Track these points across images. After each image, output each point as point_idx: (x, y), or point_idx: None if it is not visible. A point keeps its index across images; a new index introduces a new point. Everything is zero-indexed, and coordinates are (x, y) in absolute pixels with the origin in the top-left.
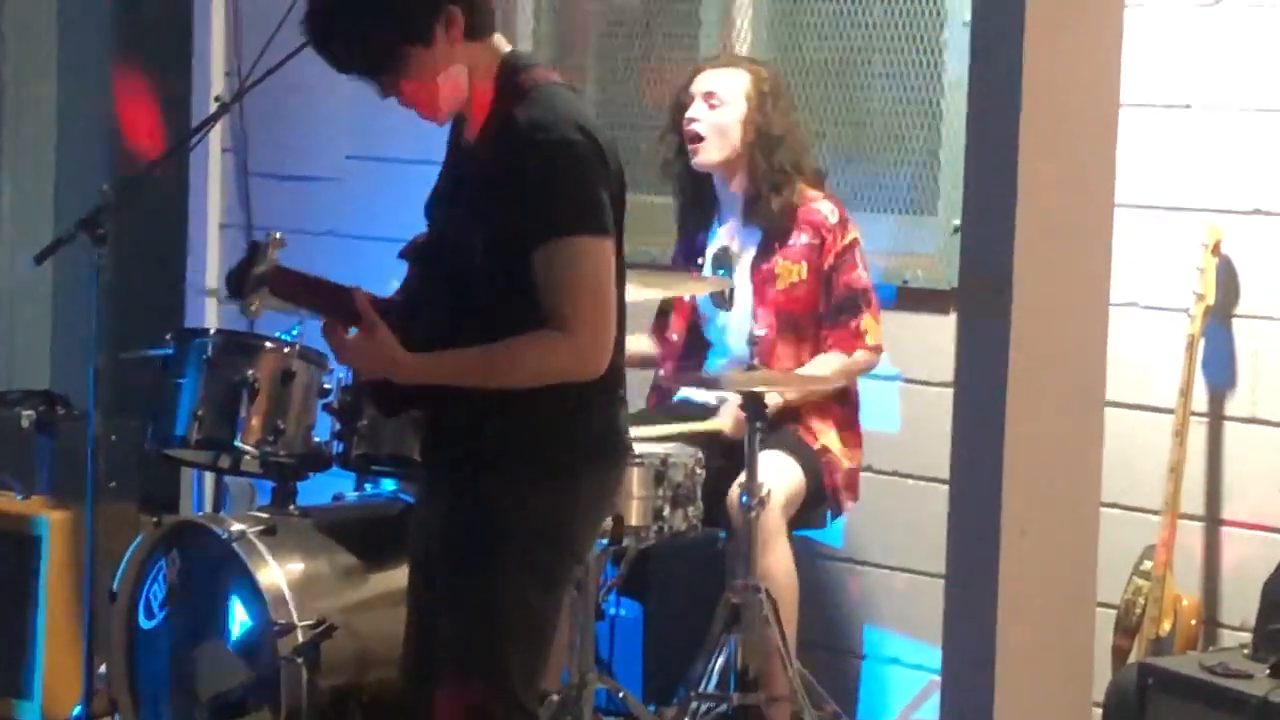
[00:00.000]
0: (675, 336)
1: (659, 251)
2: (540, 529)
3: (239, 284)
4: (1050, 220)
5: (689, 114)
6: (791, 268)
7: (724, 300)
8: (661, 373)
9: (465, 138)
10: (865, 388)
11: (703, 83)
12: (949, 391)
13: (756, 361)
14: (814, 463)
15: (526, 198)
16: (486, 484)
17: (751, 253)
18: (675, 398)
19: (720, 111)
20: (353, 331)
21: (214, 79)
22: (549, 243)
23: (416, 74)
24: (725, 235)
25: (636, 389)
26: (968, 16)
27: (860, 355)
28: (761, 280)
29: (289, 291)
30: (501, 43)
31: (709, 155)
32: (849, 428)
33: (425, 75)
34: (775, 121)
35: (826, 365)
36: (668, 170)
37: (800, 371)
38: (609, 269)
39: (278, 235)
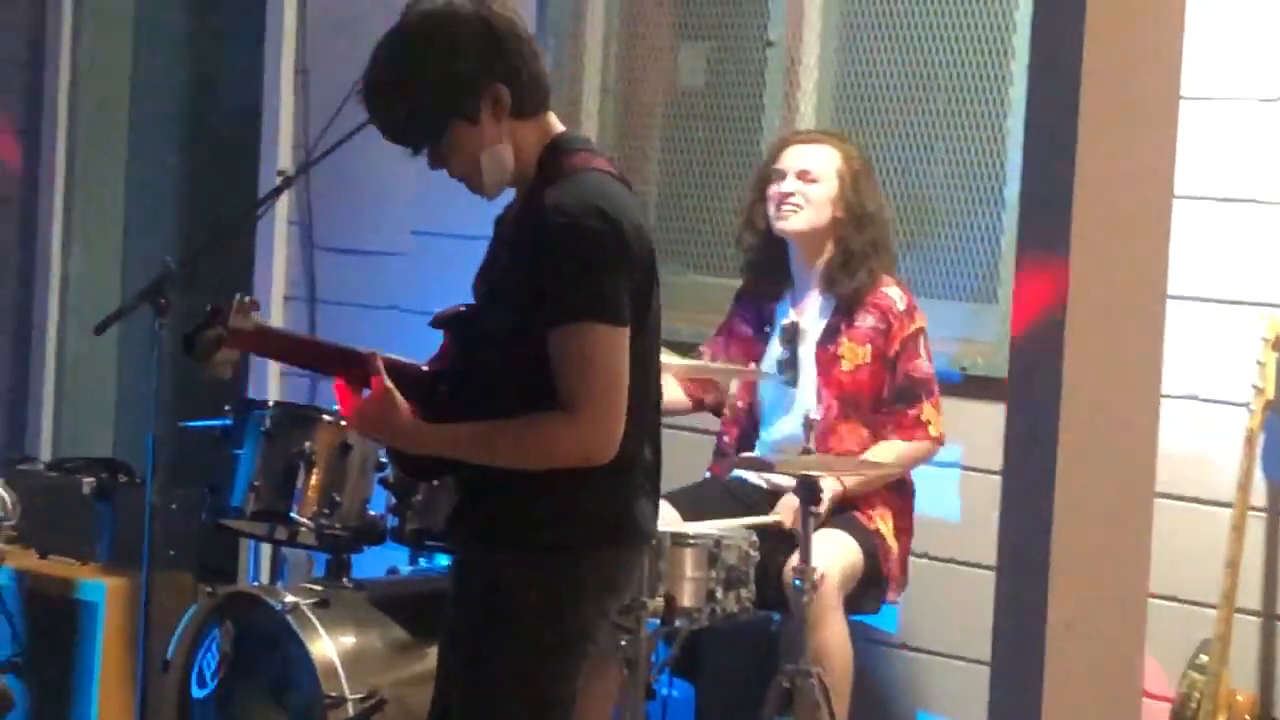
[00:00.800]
0: (741, 404)
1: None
2: (544, 610)
3: (188, 346)
4: (1101, 310)
5: (782, 188)
6: (856, 349)
7: (791, 377)
8: (726, 438)
9: (509, 212)
10: (924, 475)
11: (794, 159)
12: None
13: (812, 444)
14: (870, 543)
15: (541, 280)
16: (492, 562)
17: (819, 331)
18: (731, 476)
19: (814, 188)
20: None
21: (281, 153)
22: (560, 327)
23: (461, 148)
24: (795, 310)
25: (696, 455)
26: None
27: (921, 444)
28: (827, 359)
29: (276, 351)
30: (554, 123)
31: (797, 222)
32: (904, 515)
33: (469, 150)
34: (867, 199)
35: (887, 452)
36: (746, 237)
37: (870, 458)
38: (621, 357)
39: (246, 299)
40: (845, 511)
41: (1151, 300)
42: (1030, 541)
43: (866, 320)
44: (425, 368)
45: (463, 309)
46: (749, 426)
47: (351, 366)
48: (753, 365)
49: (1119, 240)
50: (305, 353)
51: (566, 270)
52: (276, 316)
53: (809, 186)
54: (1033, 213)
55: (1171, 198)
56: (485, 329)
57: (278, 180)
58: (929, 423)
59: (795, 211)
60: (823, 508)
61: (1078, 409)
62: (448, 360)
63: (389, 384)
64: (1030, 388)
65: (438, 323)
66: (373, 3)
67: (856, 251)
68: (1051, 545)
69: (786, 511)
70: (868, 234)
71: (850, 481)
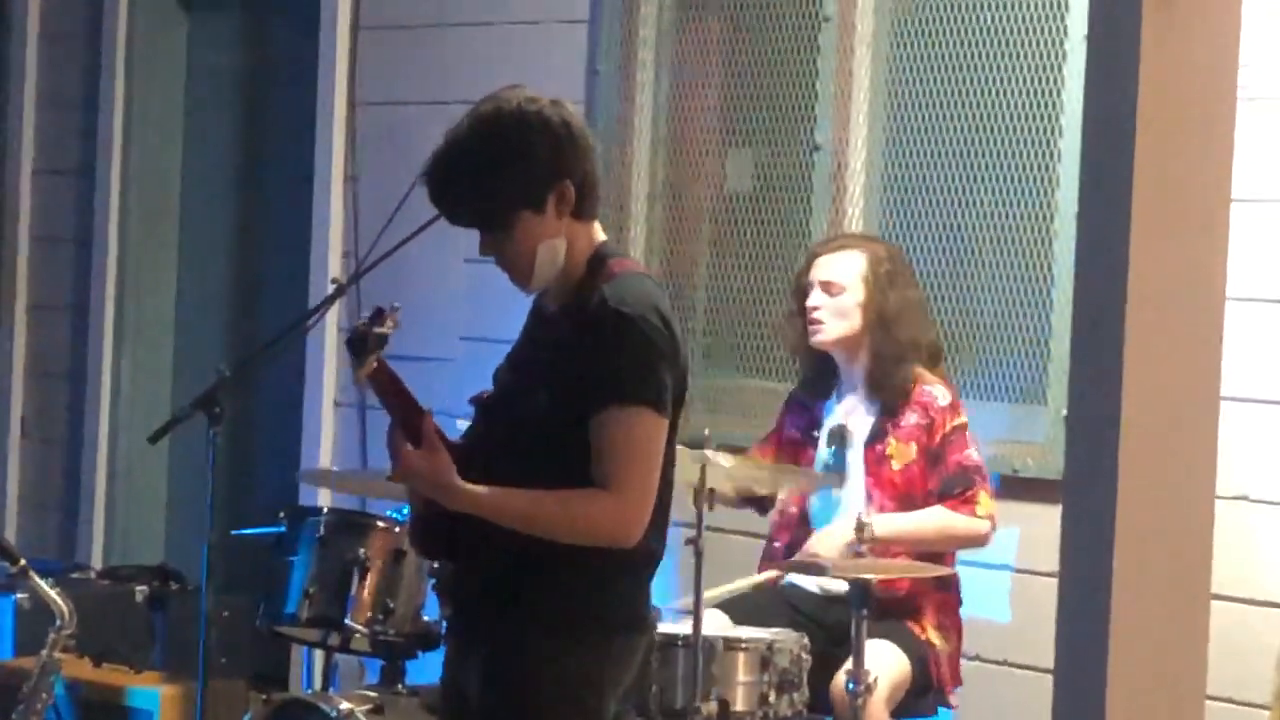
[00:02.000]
0: (794, 509)
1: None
2: (575, 692)
3: (360, 342)
4: (1155, 411)
5: (809, 302)
6: (903, 448)
7: (839, 480)
8: (777, 544)
9: (546, 306)
10: (976, 576)
11: (820, 270)
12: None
13: (864, 548)
14: (921, 653)
15: (597, 362)
16: (526, 644)
17: (865, 432)
18: (784, 583)
19: (839, 298)
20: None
21: (331, 260)
22: (610, 408)
23: (521, 237)
24: (842, 413)
25: (744, 554)
26: None
27: (972, 520)
28: (875, 460)
29: (381, 380)
30: (599, 230)
31: (825, 335)
32: (951, 614)
33: (529, 240)
34: (893, 300)
35: (938, 514)
36: (793, 347)
37: (909, 517)
38: (660, 447)
39: (397, 308)
40: (894, 617)
41: (1205, 401)
42: (1088, 643)
43: (910, 418)
44: (457, 442)
45: (487, 395)
46: (801, 532)
47: (411, 419)
48: (804, 468)
49: (1173, 343)
50: (392, 387)
51: (625, 358)
52: (327, 422)
53: (834, 299)
54: (1084, 312)
55: (1224, 298)
56: (518, 411)
57: (331, 288)
58: (980, 504)
59: (820, 327)
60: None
61: (1134, 510)
62: (476, 440)
63: (439, 443)
64: (1086, 489)
65: (474, 401)
66: (421, 110)
67: (889, 355)
68: (1109, 646)
69: (828, 546)
70: (901, 334)
71: (886, 530)
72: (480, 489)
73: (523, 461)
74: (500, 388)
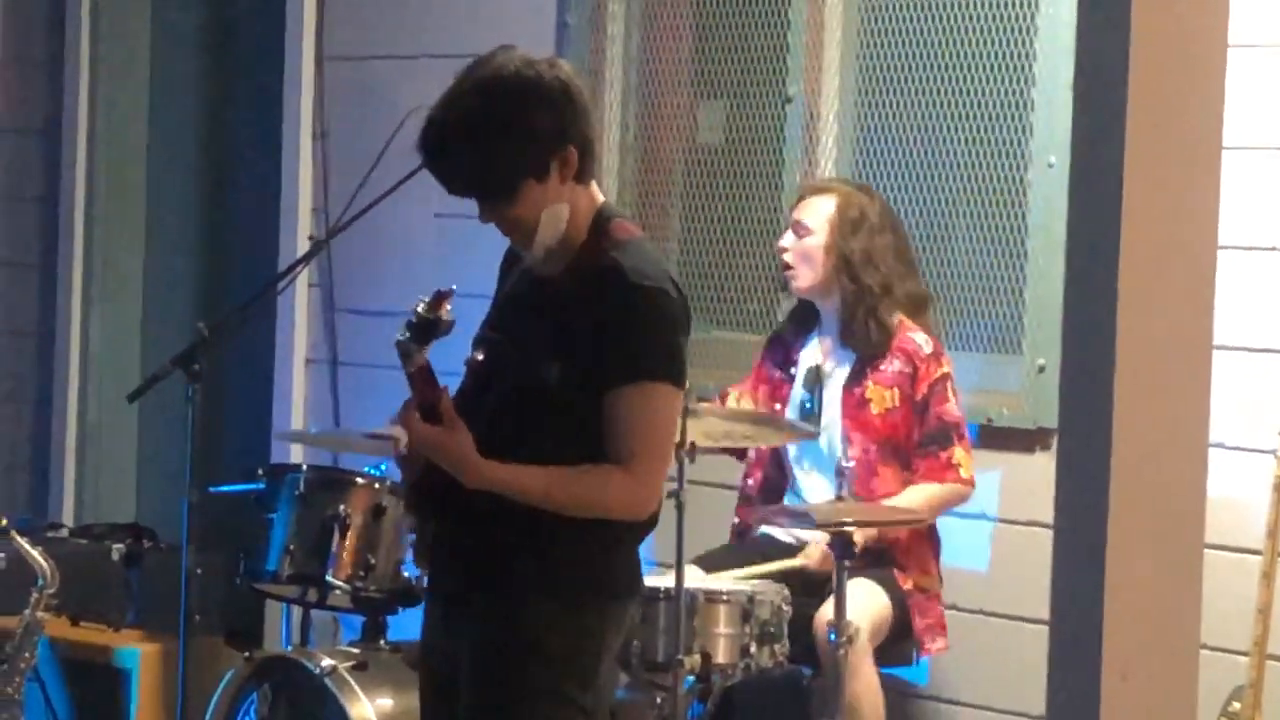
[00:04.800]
0: (765, 447)
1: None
2: (575, 658)
3: (431, 327)
4: (1150, 360)
5: (780, 241)
6: (884, 393)
7: (814, 428)
8: (750, 481)
9: (540, 269)
10: (951, 525)
11: (799, 210)
12: (1034, 530)
13: (845, 492)
14: (900, 597)
15: (619, 338)
16: (527, 611)
17: (844, 375)
18: (758, 533)
19: (807, 240)
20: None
21: (301, 217)
22: (632, 385)
23: (525, 204)
24: (820, 353)
25: (723, 506)
26: (1053, 159)
27: (953, 487)
28: (854, 404)
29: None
30: (598, 192)
31: (798, 282)
32: (934, 565)
33: (533, 208)
34: (855, 244)
35: (917, 496)
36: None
37: (890, 503)
38: (676, 422)
39: (453, 290)
40: (873, 568)
41: (1198, 348)
42: (1084, 593)
43: (893, 364)
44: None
45: (478, 357)
46: (774, 471)
47: (430, 396)
48: (777, 407)
49: (1166, 291)
50: (423, 368)
51: (648, 334)
52: (299, 380)
53: (802, 241)
54: (1078, 262)
55: (1216, 245)
56: (525, 380)
57: (303, 244)
58: (960, 465)
59: (793, 274)
60: (857, 546)
61: (1129, 459)
62: (469, 403)
63: (458, 418)
64: (1081, 439)
65: (467, 365)
66: (390, 65)
67: (854, 300)
68: (1105, 595)
69: (814, 552)
70: (865, 279)
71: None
72: (500, 467)
73: (532, 430)
74: (493, 352)
